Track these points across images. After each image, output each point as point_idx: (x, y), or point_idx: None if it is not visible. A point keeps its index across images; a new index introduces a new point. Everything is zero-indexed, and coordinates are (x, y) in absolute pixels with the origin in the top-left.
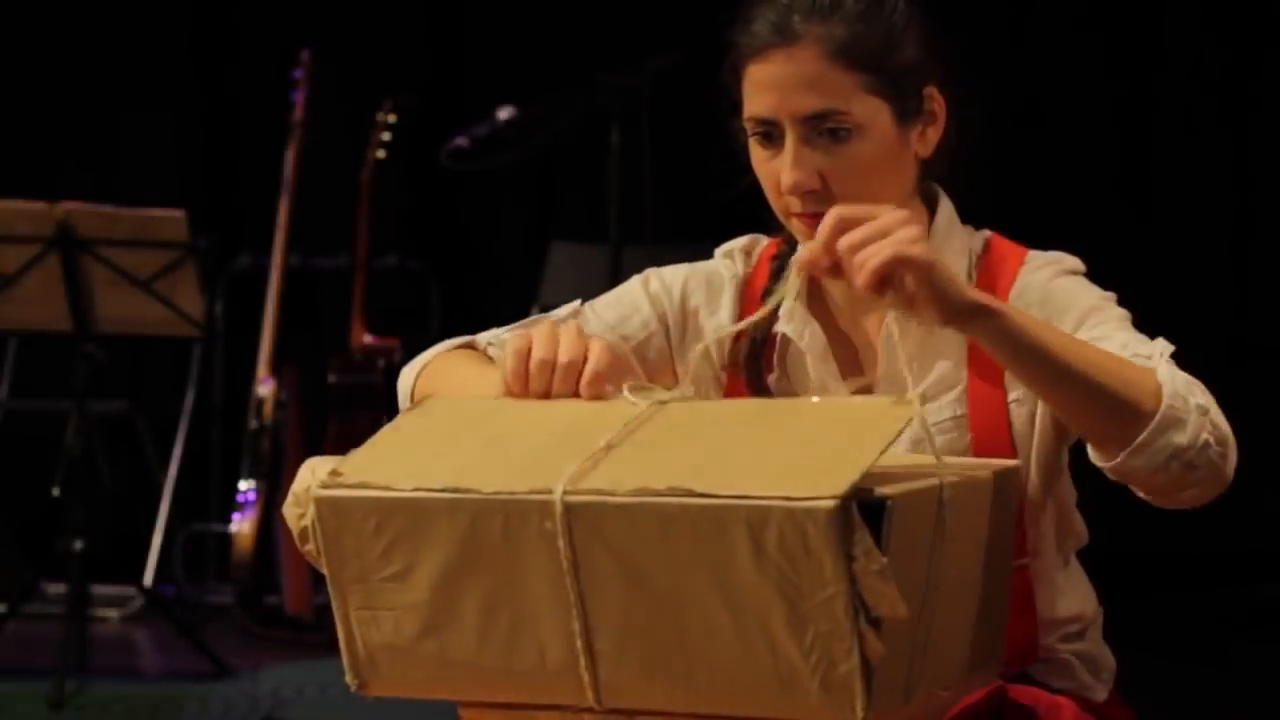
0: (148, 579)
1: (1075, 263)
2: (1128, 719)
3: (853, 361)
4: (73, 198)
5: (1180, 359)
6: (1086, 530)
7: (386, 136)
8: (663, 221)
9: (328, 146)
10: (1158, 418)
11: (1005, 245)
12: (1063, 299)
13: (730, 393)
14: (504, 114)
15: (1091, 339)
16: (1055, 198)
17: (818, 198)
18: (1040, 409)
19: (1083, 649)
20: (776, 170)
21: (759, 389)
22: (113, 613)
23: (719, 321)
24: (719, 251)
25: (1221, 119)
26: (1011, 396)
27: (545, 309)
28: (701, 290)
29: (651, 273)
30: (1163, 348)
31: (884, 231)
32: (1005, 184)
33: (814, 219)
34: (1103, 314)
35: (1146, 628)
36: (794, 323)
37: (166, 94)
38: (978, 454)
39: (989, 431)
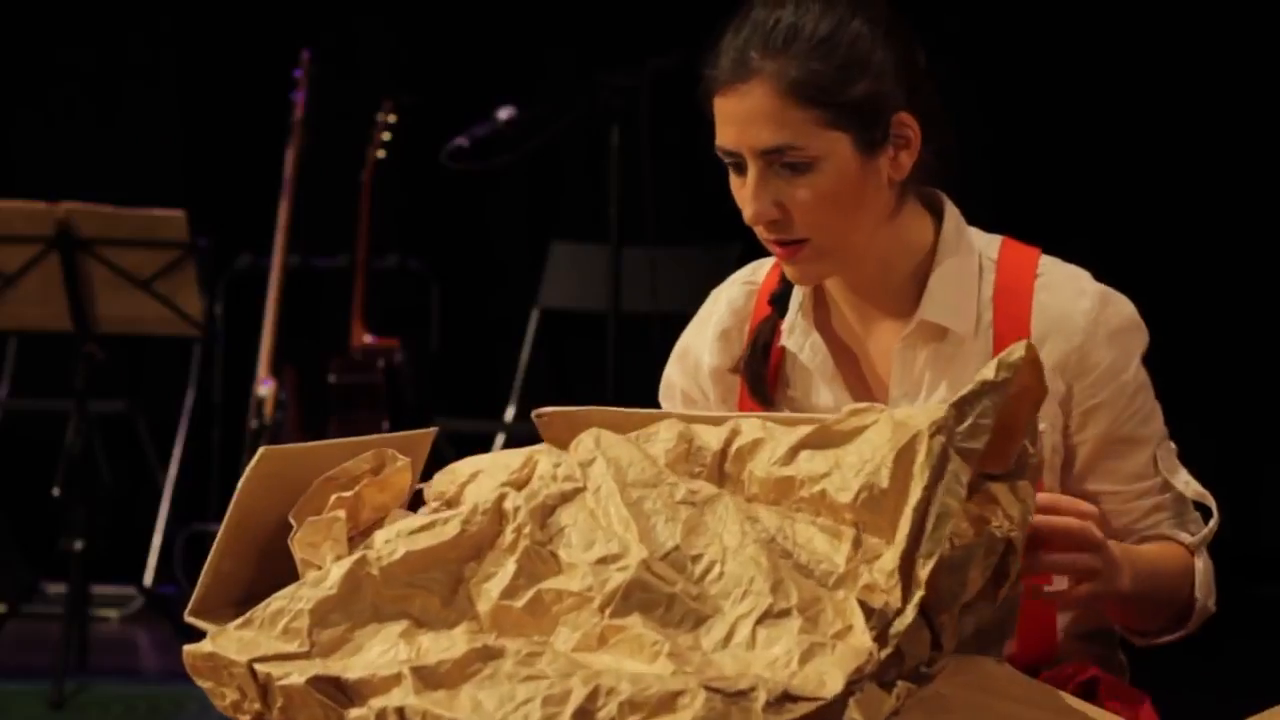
0: (148, 579)
1: (1099, 292)
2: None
3: (858, 373)
4: (73, 198)
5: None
6: None
7: (386, 136)
8: (663, 221)
9: (328, 146)
10: (1181, 631)
11: (1018, 252)
12: (1106, 378)
13: (741, 405)
14: (504, 114)
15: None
16: (1056, 198)
17: (780, 226)
18: (1060, 444)
19: (1096, 652)
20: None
21: (763, 399)
22: (113, 613)
23: (705, 343)
24: (714, 292)
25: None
26: (1040, 427)
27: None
28: (695, 344)
29: (664, 382)
30: (1208, 528)
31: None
32: (1004, 182)
33: (782, 246)
34: (1152, 425)
35: None
36: (795, 335)
37: (167, 93)
38: None
39: None
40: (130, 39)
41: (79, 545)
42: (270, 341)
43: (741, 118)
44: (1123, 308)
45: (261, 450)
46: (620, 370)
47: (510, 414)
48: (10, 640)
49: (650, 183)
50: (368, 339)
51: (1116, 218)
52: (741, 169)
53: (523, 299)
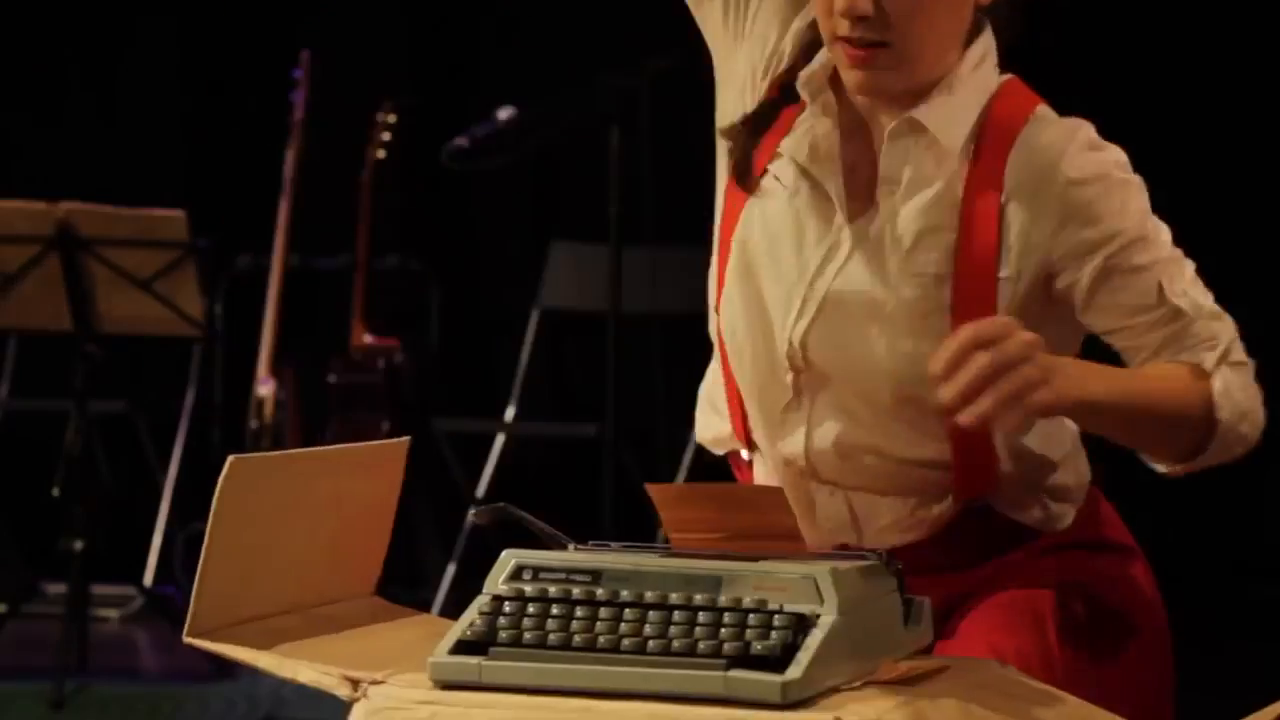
0: (148, 579)
1: (1091, 136)
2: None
3: (866, 153)
4: (73, 198)
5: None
6: None
7: (386, 136)
8: (663, 221)
9: (328, 146)
10: (1207, 453)
11: (1018, 92)
12: (1097, 212)
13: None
14: (504, 114)
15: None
16: None
17: (868, 25)
18: (1028, 287)
19: (1053, 483)
20: None
21: (744, 174)
22: (113, 613)
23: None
24: None
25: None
26: (1002, 274)
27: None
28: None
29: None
30: (1228, 342)
31: (1007, 366)
32: None
33: (857, 48)
34: (1154, 250)
35: None
36: (799, 133)
37: (166, 94)
38: (955, 315)
39: (972, 300)
40: (130, 39)
41: (79, 545)
42: (270, 341)
43: None
44: (1113, 149)
45: (230, 460)
46: (620, 370)
47: (510, 414)
48: (10, 640)
49: (650, 183)
50: (368, 339)
51: None
52: None
53: (523, 299)
